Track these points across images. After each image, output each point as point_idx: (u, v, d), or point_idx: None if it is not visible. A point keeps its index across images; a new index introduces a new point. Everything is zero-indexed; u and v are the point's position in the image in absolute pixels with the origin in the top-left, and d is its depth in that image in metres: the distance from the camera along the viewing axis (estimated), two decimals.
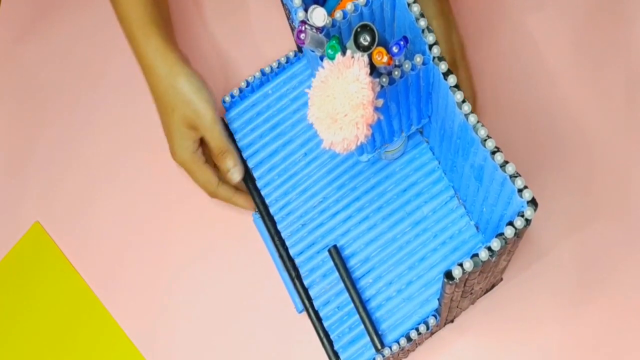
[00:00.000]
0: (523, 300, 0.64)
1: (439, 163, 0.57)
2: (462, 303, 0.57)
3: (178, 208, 0.73)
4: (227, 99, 0.64)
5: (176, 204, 0.73)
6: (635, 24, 0.70)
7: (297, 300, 0.62)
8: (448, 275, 0.43)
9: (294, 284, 0.61)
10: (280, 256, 0.61)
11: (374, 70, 0.44)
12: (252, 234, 0.69)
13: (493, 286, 0.66)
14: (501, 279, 0.66)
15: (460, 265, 0.43)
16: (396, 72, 0.44)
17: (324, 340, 0.59)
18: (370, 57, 0.42)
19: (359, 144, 0.40)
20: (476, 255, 0.43)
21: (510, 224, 0.43)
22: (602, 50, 0.70)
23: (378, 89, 0.42)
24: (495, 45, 0.71)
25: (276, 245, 0.62)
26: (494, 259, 0.44)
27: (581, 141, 0.67)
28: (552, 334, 0.63)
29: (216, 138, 0.62)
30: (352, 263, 0.57)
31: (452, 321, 0.66)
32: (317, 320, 0.59)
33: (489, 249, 0.43)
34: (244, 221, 0.70)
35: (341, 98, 0.40)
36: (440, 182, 0.57)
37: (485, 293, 0.65)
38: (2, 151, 0.81)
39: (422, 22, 0.43)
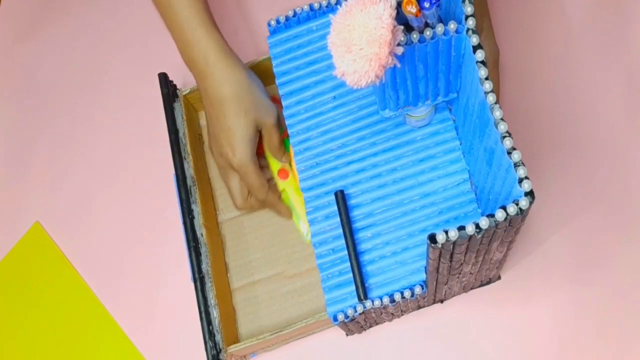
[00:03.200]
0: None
1: (460, 144, 0.58)
2: (450, 282, 0.59)
3: (178, 208, 0.73)
4: (273, 22, 0.65)
5: (176, 203, 0.74)
6: (635, 24, 0.71)
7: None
8: (432, 238, 0.45)
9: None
10: None
11: (406, 24, 0.45)
12: None
13: (489, 281, 0.67)
14: (499, 277, 0.67)
15: (446, 232, 0.45)
16: (427, 32, 0.46)
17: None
18: (400, 5, 0.44)
19: (369, 82, 0.42)
20: (463, 227, 0.45)
21: (503, 207, 0.45)
22: (602, 47, 0.71)
23: (400, 37, 0.44)
24: (502, 43, 0.72)
25: None
26: (479, 236, 0.46)
27: (580, 134, 0.69)
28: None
29: (277, 133, 0.69)
30: (355, 213, 0.59)
31: (441, 301, 0.68)
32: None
33: (477, 225, 0.45)
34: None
35: (360, 31, 0.42)
36: (457, 162, 0.58)
37: (480, 285, 0.67)
38: (2, 151, 0.83)
39: None
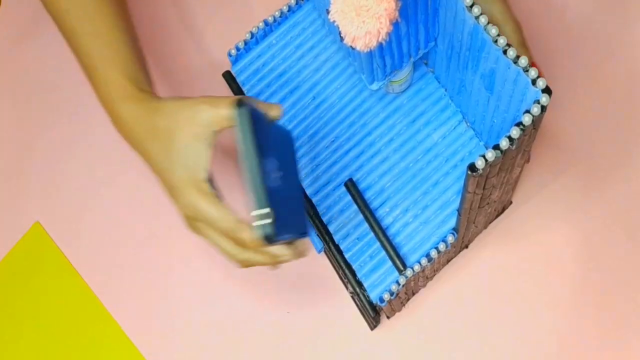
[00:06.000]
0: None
1: (446, 91, 0.61)
2: (478, 216, 0.60)
3: None
4: (233, 52, 0.65)
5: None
6: (635, 24, 0.73)
7: (316, 239, 0.65)
8: (472, 167, 0.46)
9: (313, 222, 0.63)
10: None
11: None
12: None
13: (504, 209, 0.69)
14: (510, 202, 0.70)
15: (483, 156, 0.47)
16: None
17: (347, 271, 0.61)
18: None
19: (380, 39, 0.43)
20: (497, 145, 0.47)
21: (527, 112, 0.47)
22: (600, 48, 0.73)
23: None
24: None
25: None
26: (514, 147, 0.47)
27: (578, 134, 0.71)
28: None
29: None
30: (367, 195, 0.60)
31: (466, 246, 0.69)
32: (337, 253, 0.61)
33: (509, 138, 0.47)
34: None
35: None
36: (447, 108, 0.60)
37: (497, 216, 0.69)
38: (2, 151, 0.81)
39: None
